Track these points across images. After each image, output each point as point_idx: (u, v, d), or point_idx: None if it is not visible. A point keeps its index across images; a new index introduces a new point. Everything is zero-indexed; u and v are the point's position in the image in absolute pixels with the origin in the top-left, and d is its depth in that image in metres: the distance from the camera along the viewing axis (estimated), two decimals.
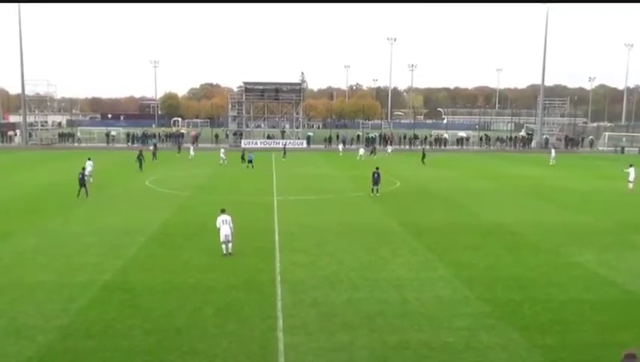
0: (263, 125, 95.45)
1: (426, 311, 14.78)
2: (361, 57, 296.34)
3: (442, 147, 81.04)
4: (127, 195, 33.67)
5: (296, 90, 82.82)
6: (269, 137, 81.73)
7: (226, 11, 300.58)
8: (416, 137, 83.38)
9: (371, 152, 62.97)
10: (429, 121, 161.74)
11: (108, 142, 78.92)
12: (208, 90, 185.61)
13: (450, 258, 19.92)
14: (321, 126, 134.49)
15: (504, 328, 13.77)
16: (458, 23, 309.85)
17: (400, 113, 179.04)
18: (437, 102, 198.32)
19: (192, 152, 58.60)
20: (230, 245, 19.67)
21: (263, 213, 28.16)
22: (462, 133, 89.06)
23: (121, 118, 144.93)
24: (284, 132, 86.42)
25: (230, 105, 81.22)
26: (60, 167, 48.41)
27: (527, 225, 25.70)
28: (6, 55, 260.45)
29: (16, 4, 74.89)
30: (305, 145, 78.29)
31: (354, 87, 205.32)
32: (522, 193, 36.36)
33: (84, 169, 32.75)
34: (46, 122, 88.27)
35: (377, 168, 34.38)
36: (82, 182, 31.74)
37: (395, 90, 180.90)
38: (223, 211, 20.10)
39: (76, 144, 79.02)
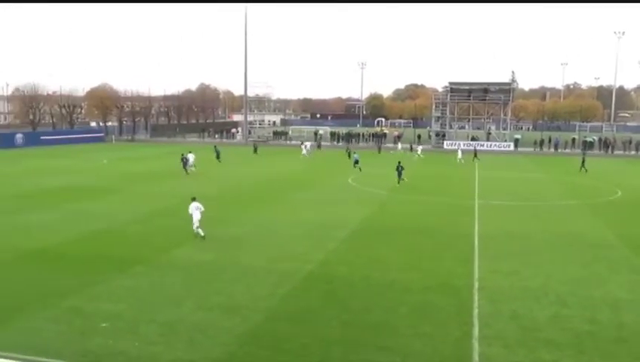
0: (467, 126, 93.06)
1: None
2: (580, 54, 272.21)
3: None
4: (330, 191, 35.45)
5: (505, 90, 79.16)
6: (473, 139, 79.41)
7: (433, 11, 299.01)
8: None
9: (474, 155, 57.14)
10: None
11: (315, 140, 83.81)
12: (412, 91, 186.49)
13: None
14: (530, 128, 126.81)
15: None
16: None
17: (626, 115, 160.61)
18: None
19: (399, 147, 62.36)
20: (200, 229, 21.46)
21: (463, 216, 27.46)
22: None
23: (329, 117, 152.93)
24: (490, 134, 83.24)
25: (434, 106, 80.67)
26: (272, 163, 52.82)
27: None
28: (232, 59, 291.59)
29: (243, 12, 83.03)
30: (512, 147, 74.50)
31: (571, 86, 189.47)
32: None
33: (183, 155, 43.32)
34: (263, 121, 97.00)
35: (399, 162, 39.40)
36: (184, 165, 42.30)
37: (620, 90, 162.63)
38: (194, 199, 22.15)
39: (288, 142, 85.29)
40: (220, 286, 16.33)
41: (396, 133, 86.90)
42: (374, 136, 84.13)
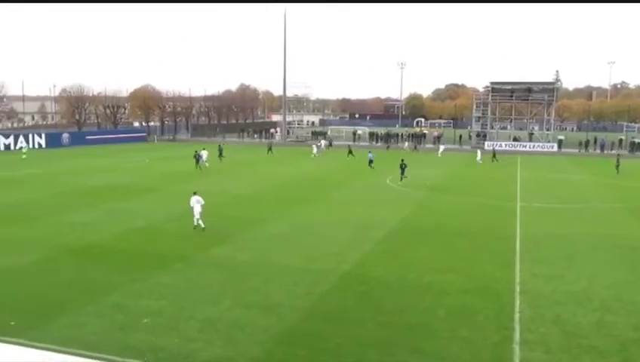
0: (509, 127, 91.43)
1: None
2: (628, 52, 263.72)
3: None
4: (368, 191, 35.34)
5: (549, 90, 77.33)
6: (515, 139, 77.94)
7: (475, 10, 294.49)
8: None
9: (493, 156, 56.19)
10: None
11: (354, 140, 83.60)
12: (453, 91, 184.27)
13: None
14: (575, 128, 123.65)
15: None
16: None
17: None
18: None
19: (440, 150, 63.71)
20: (200, 221, 23.14)
21: (504, 218, 27.01)
22: None
23: (367, 117, 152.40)
24: (533, 134, 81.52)
25: (475, 106, 79.46)
26: (309, 163, 52.93)
27: None
28: (271, 59, 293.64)
29: (283, 12, 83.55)
30: (555, 148, 72.78)
31: (618, 86, 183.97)
32: None
33: (197, 152, 46.37)
34: (302, 121, 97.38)
35: (403, 160, 40.17)
36: (197, 161, 45.41)
37: None
38: (195, 193, 23.86)
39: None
40: (257, 285, 16.51)
41: (436, 134, 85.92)
42: (413, 136, 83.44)
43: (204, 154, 46.63)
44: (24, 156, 54.29)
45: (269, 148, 62.28)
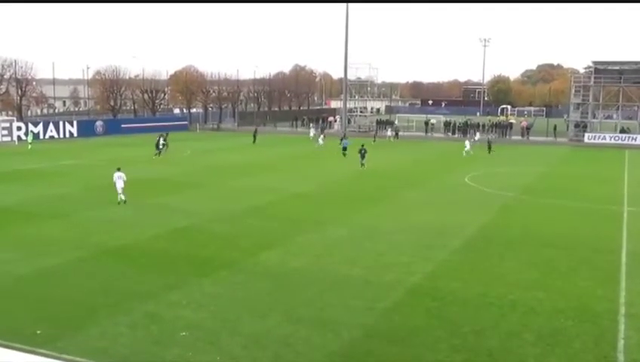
0: (615, 116, 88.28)
1: None
2: None
3: None
4: (443, 192, 35.05)
5: None
6: (622, 131, 75.20)
7: None
8: None
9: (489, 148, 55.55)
10: None
11: (426, 132, 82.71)
12: (546, 72, 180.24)
13: None
14: None
15: None
16: None
17: None
18: None
19: (388, 133, 71.83)
20: (122, 196, 28.51)
21: (607, 225, 26.20)
22: None
23: (443, 104, 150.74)
24: None
25: (573, 90, 77.11)
26: (375, 157, 52.71)
27: None
28: (330, 37, 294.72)
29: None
30: None
31: None
32: None
33: (161, 136, 52.05)
34: (365, 108, 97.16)
35: (363, 145, 44.20)
36: (157, 147, 50.50)
37: None
38: (118, 169, 29.12)
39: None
40: (311, 297, 16.63)
41: (524, 123, 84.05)
42: (497, 126, 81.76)
43: (162, 141, 52.62)
44: (29, 146, 56.52)
45: (254, 138, 65.00)
